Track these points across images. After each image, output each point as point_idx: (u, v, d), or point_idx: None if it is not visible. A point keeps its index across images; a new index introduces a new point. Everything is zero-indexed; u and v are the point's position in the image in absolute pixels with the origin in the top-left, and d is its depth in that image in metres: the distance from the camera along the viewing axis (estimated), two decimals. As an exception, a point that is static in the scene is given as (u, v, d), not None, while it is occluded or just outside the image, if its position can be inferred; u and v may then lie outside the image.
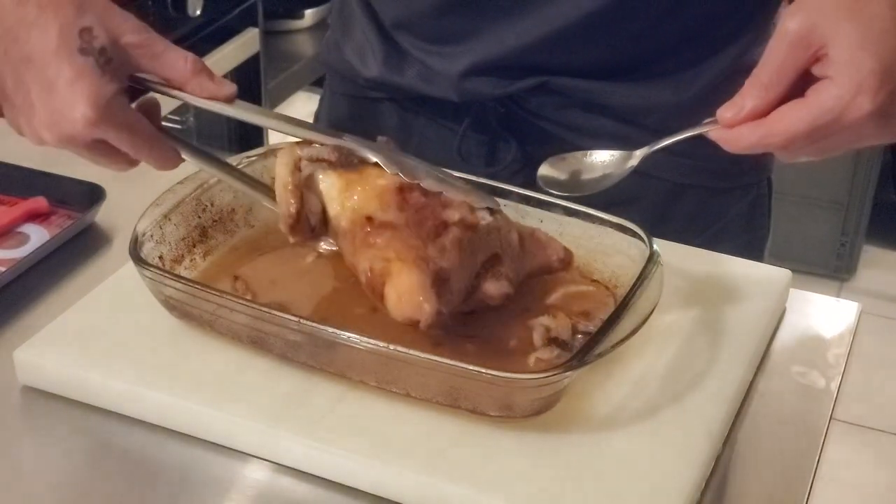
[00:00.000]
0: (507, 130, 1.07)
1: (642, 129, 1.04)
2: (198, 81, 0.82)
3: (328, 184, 0.83)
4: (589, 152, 0.86)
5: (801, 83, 0.76)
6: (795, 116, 0.75)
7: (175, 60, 0.81)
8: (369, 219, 0.81)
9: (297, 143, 0.84)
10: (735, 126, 0.77)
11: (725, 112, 0.78)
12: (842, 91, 0.74)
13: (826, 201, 2.81)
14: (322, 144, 0.83)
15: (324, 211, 0.83)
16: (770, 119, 0.76)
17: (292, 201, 0.82)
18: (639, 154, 0.84)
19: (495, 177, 1.08)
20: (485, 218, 0.82)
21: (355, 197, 0.82)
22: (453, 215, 0.80)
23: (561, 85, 1.03)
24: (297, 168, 0.82)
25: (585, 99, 1.04)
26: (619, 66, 1.03)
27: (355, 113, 1.15)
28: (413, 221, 0.80)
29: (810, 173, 2.76)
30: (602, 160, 0.86)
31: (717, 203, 1.10)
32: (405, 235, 0.79)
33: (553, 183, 0.86)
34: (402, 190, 0.81)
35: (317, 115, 1.22)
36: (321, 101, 1.21)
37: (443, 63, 1.05)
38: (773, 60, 0.76)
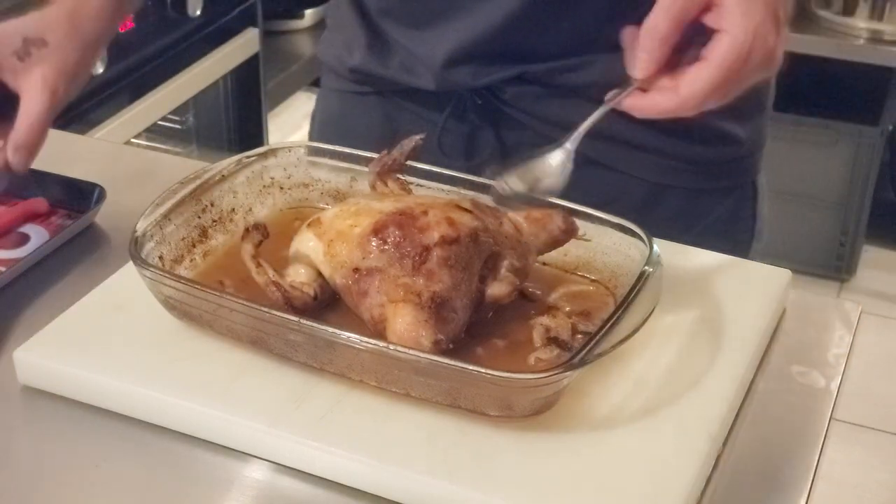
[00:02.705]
0: (485, 122, 1.09)
1: (619, 115, 1.05)
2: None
3: (312, 251, 0.84)
4: (528, 161, 0.88)
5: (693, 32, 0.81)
6: (703, 79, 0.80)
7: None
8: (356, 270, 0.81)
9: (244, 233, 0.84)
10: (647, 76, 0.82)
11: (635, 71, 0.82)
12: (737, 40, 0.79)
13: (826, 201, 2.81)
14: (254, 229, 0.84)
15: (321, 274, 0.84)
16: (682, 87, 0.81)
17: (275, 292, 0.82)
18: (569, 146, 0.86)
19: (475, 170, 1.09)
20: (465, 224, 0.82)
21: (339, 253, 0.83)
22: (432, 236, 0.81)
23: (537, 73, 1.04)
24: (258, 263, 0.83)
25: (562, 85, 1.05)
26: (592, 42, 1.03)
27: (344, 109, 1.18)
28: (396, 258, 0.80)
29: (810, 173, 2.76)
30: (542, 163, 0.87)
31: (699, 205, 1.11)
32: (392, 275, 0.80)
33: (506, 197, 0.88)
34: (377, 231, 0.81)
35: (313, 114, 1.24)
36: (317, 100, 1.23)
37: (424, 49, 1.07)
38: (668, 9, 0.81)
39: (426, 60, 1.07)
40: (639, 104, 0.83)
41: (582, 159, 1.07)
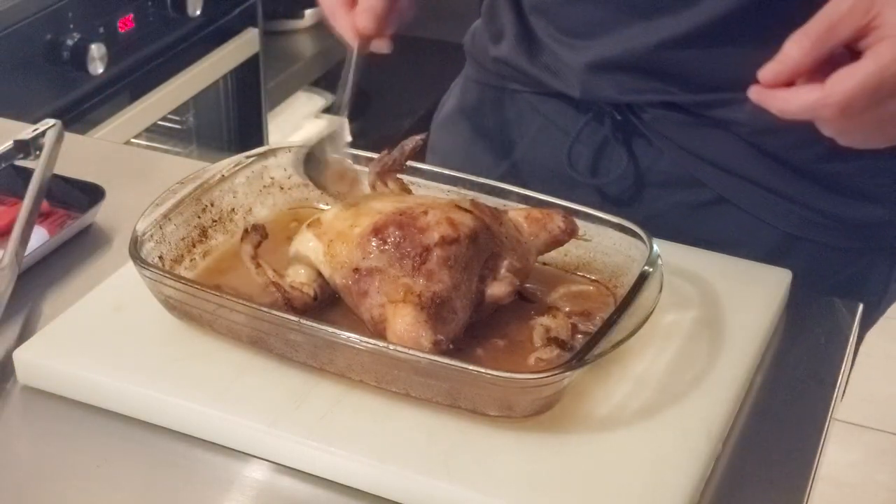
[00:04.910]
0: (619, 140, 1.04)
1: (767, 155, 0.98)
2: None
3: (312, 251, 0.84)
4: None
5: (842, 59, 0.75)
6: (855, 72, 0.73)
7: None
8: (356, 270, 0.81)
9: (244, 235, 0.84)
10: (775, 86, 0.75)
11: (766, 72, 0.76)
12: None
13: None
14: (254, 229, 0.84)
15: (321, 274, 0.84)
16: (828, 82, 0.74)
17: (275, 292, 0.82)
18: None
19: (601, 188, 1.04)
20: (465, 224, 0.82)
21: (339, 254, 0.83)
22: (432, 236, 0.81)
23: (686, 101, 0.99)
24: (258, 264, 0.83)
25: (709, 117, 0.98)
26: (748, 79, 0.88)
27: (482, 100, 1.15)
28: (396, 258, 0.80)
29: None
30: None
31: (829, 262, 1.03)
32: (392, 275, 0.80)
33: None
34: (377, 231, 0.81)
35: (443, 101, 1.21)
36: (452, 87, 1.20)
37: (571, 55, 1.03)
38: (828, 18, 0.75)
39: (573, 65, 1.02)
40: (769, 97, 0.76)
41: (715, 197, 1.01)
